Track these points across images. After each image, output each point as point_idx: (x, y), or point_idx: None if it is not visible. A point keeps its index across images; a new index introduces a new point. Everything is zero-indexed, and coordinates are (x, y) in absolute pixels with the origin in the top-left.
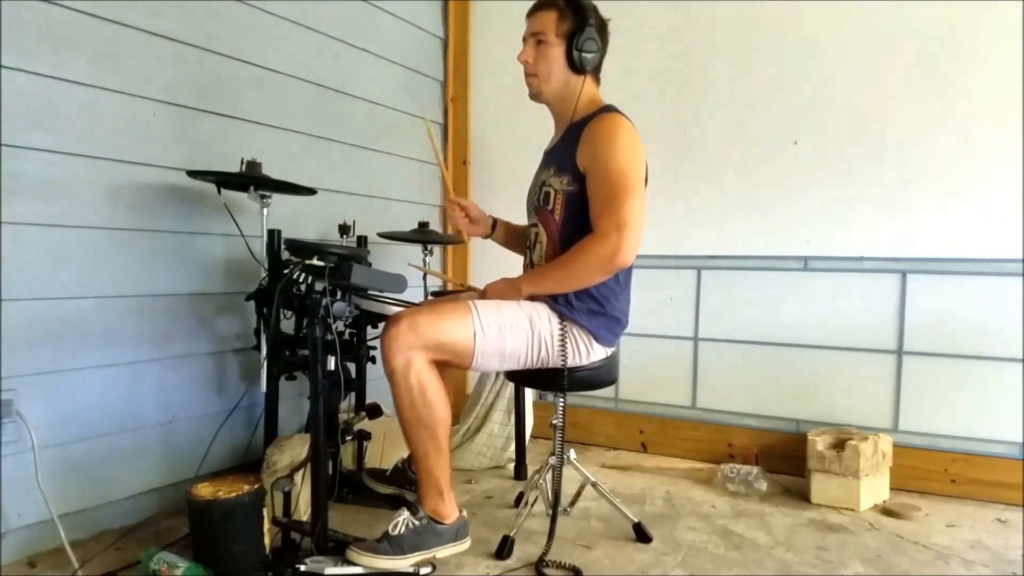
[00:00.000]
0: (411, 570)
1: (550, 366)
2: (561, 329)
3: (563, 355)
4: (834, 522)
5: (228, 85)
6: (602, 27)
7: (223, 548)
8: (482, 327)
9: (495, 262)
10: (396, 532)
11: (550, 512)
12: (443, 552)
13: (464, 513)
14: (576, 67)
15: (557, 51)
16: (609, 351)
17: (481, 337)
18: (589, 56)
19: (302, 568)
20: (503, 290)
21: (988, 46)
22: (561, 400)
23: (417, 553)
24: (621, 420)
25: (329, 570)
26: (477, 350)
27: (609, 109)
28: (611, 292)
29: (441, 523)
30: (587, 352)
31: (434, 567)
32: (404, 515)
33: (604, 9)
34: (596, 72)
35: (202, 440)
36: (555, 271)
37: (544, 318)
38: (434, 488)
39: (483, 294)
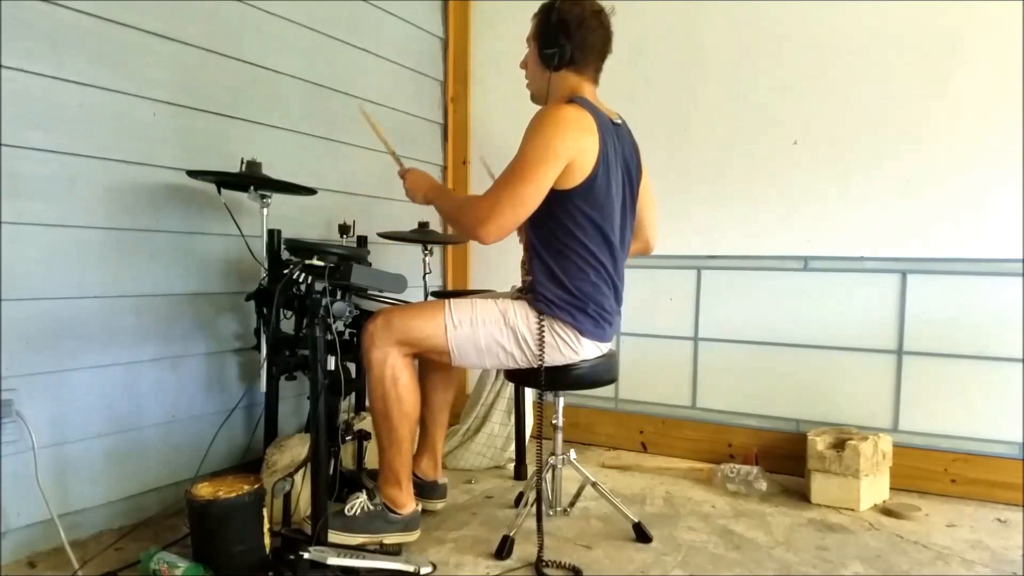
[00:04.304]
0: (410, 568)
1: (538, 364)
2: (539, 324)
3: (541, 350)
4: (834, 522)
5: (228, 85)
6: (579, 22)
7: (223, 548)
8: (453, 322)
9: (496, 262)
10: (351, 513)
11: (549, 512)
12: (389, 539)
13: (419, 507)
14: (546, 64)
15: (532, 54)
16: (601, 346)
17: (452, 331)
18: (549, 52)
19: (305, 556)
20: (416, 178)
21: (988, 46)
22: (551, 396)
23: (364, 535)
24: (621, 420)
25: (332, 559)
26: (451, 344)
27: (571, 101)
28: (592, 287)
29: (395, 512)
30: (574, 346)
31: (434, 566)
32: (361, 498)
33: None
34: (575, 66)
35: (202, 440)
36: (449, 204)
37: (521, 314)
38: (392, 478)
39: (404, 174)
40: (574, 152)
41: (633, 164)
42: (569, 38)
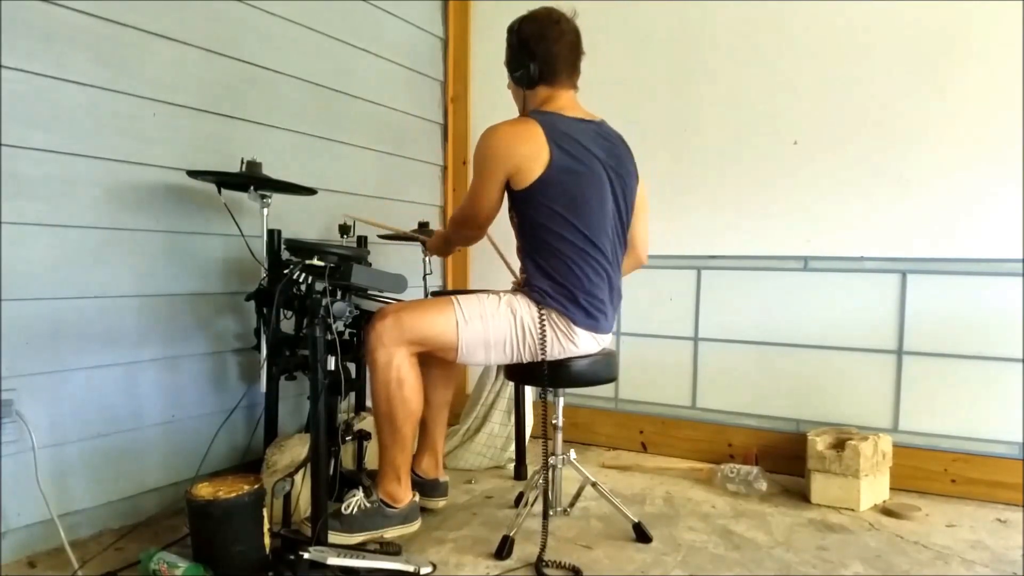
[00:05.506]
0: (410, 568)
1: (538, 358)
2: (540, 314)
3: (544, 341)
4: (834, 522)
5: (228, 85)
6: (538, 38)
7: (223, 548)
8: (464, 317)
9: (496, 262)
10: (348, 512)
11: (550, 512)
12: (390, 534)
13: (416, 497)
14: (519, 86)
15: (510, 79)
16: (598, 337)
17: (464, 327)
18: (518, 75)
19: (305, 556)
20: (431, 241)
21: (988, 46)
22: (551, 396)
23: (364, 533)
24: (621, 420)
25: (332, 559)
26: (461, 340)
27: (521, 115)
28: (577, 277)
29: (392, 507)
30: (570, 336)
31: (434, 567)
32: (357, 496)
33: (604, 10)
34: (545, 80)
35: (202, 440)
36: (446, 232)
37: (524, 306)
38: (392, 475)
39: (426, 245)
40: (513, 162)
41: (623, 158)
42: (533, 57)
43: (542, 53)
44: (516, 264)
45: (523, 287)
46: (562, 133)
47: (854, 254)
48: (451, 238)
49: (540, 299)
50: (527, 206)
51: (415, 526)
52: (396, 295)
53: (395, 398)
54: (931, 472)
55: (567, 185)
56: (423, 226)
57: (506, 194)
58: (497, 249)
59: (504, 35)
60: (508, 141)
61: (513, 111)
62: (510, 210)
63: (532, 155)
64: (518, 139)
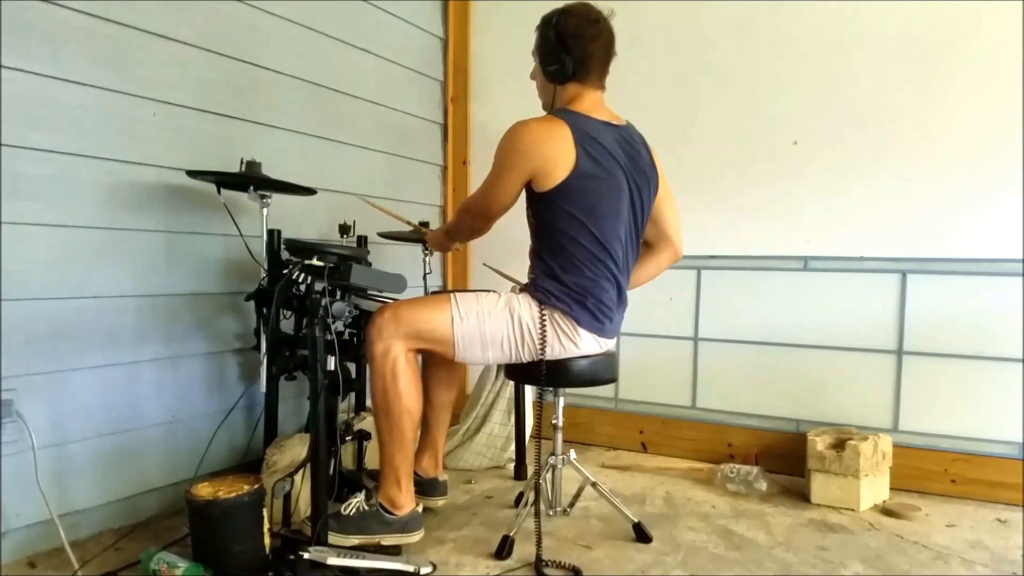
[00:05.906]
0: (410, 568)
1: (538, 357)
2: (541, 315)
3: (543, 341)
4: (834, 522)
5: (228, 85)
6: (576, 35)
7: (223, 548)
8: (460, 314)
9: (496, 263)
10: (346, 512)
11: (549, 512)
12: (387, 540)
13: (420, 507)
14: (551, 80)
15: (537, 69)
16: (601, 341)
17: (459, 323)
18: (552, 69)
19: (305, 556)
20: (431, 236)
21: (988, 46)
22: (551, 396)
23: (360, 536)
24: (621, 420)
25: (332, 560)
26: (456, 336)
27: (552, 112)
28: (589, 281)
29: (391, 513)
30: (573, 337)
31: (434, 567)
32: (358, 498)
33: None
34: (578, 78)
35: (202, 440)
36: (450, 226)
37: (524, 305)
38: (392, 476)
39: (427, 238)
40: (535, 163)
41: (644, 164)
42: (569, 52)
43: (578, 50)
44: (520, 275)
45: (527, 287)
46: (589, 137)
47: (854, 254)
48: (453, 230)
49: (543, 298)
50: (545, 208)
51: (415, 537)
52: (395, 295)
53: (390, 390)
54: (931, 472)
55: (588, 191)
56: (423, 226)
57: (524, 194)
58: (500, 273)
59: (503, 35)
60: (535, 138)
61: (511, 110)
62: (528, 210)
63: (557, 157)
64: (546, 139)
